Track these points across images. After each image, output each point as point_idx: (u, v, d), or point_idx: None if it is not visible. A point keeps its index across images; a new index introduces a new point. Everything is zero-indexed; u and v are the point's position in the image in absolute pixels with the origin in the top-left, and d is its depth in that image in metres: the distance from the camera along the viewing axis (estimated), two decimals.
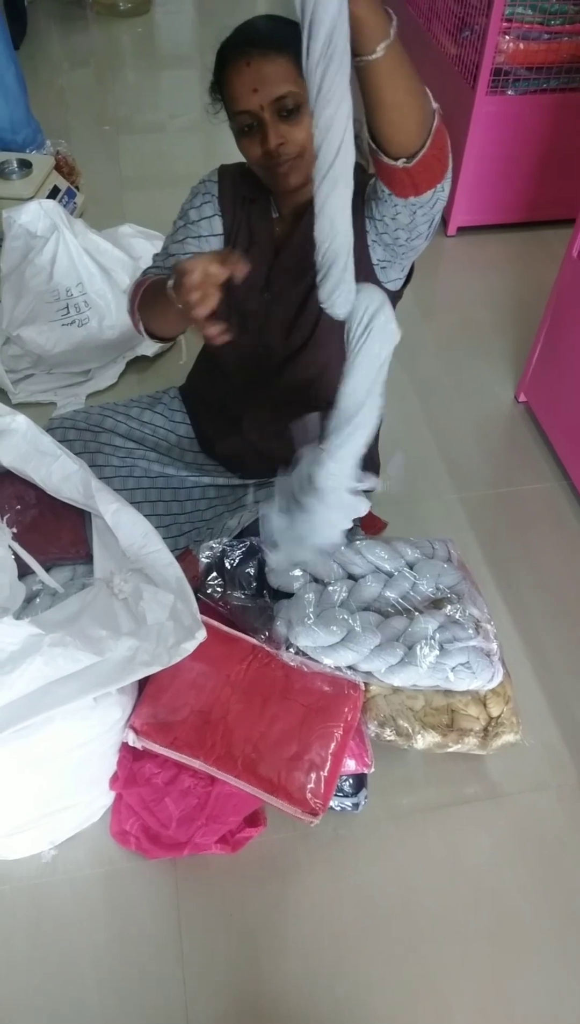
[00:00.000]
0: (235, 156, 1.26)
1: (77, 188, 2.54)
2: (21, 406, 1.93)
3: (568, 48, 2.20)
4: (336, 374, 1.47)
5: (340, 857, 1.25)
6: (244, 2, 4.23)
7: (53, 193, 2.34)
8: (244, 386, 1.48)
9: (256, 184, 1.30)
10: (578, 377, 1.76)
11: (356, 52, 0.92)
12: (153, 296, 1.27)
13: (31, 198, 2.16)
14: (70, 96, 3.33)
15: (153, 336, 1.37)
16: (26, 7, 3.63)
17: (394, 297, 1.37)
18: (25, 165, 2.32)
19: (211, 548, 1.34)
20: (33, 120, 2.58)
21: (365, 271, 1.29)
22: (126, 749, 1.21)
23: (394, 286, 1.36)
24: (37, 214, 1.90)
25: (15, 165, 2.31)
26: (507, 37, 2.15)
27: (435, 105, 1.05)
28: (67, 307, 1.90)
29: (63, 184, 2.42)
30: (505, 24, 2.12)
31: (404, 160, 1.05)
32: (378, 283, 1.31)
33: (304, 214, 1.32)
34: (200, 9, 4.13)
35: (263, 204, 1.36)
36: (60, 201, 2.33)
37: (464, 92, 2.29)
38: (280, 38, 1.15)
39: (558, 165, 2.41)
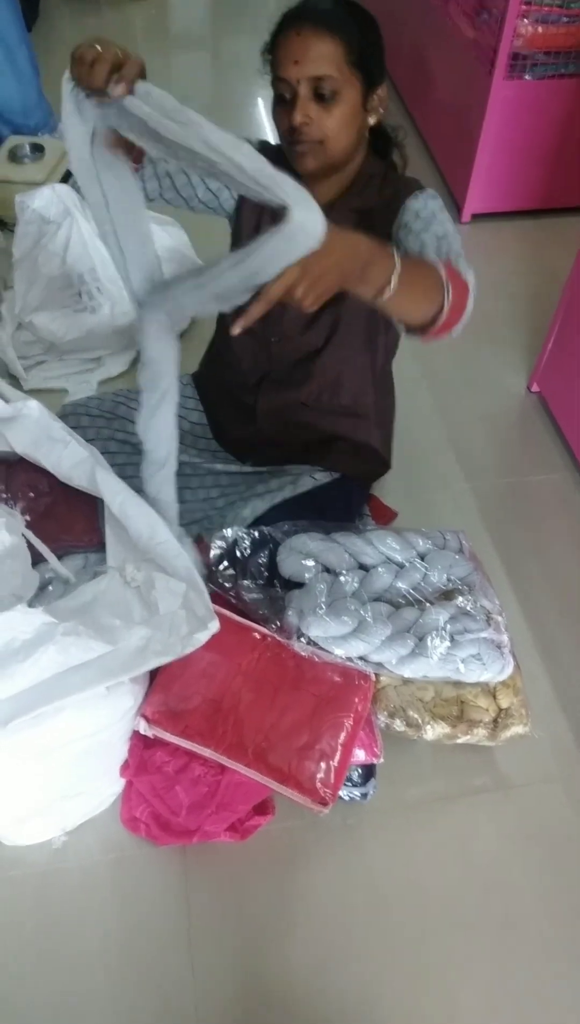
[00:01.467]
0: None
1: None
2: (33, 392, 1.92)
3: None
4: (353, 376, 1.47)
5: (348, 847, 1.26)
6: None
7: (66, 177, 2.32)
8: (257, 378, 1.48)
9: (285, 167, 1.28)
10: None
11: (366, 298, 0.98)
12: None
13: (44, 182, 2.15)
14: None
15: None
16: None
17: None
18: (38, 149, 2.31)
19: (223, 536, 1.34)
20: (45, 103, 2.56)
21: None
22: (137, 737, 1.22)
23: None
24: (50, 199, 1.89)
25: (28, 149, 2.30)
26: (526, 20, 2.11)
27: (443, 275, 1.06)
28: (80, 293, 1.90)
29: None
30: (524, 7, 2.08)
31: (420, 329, 1.10)
32: None
33: (327, 208, 1.31)
34: None
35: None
36: (73, 185, 2.32)
37: (481, 77, 2.26)
38: (338, 21, 1.16)
39: (575, 152, 2.38)
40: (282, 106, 1.20)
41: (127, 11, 3.85)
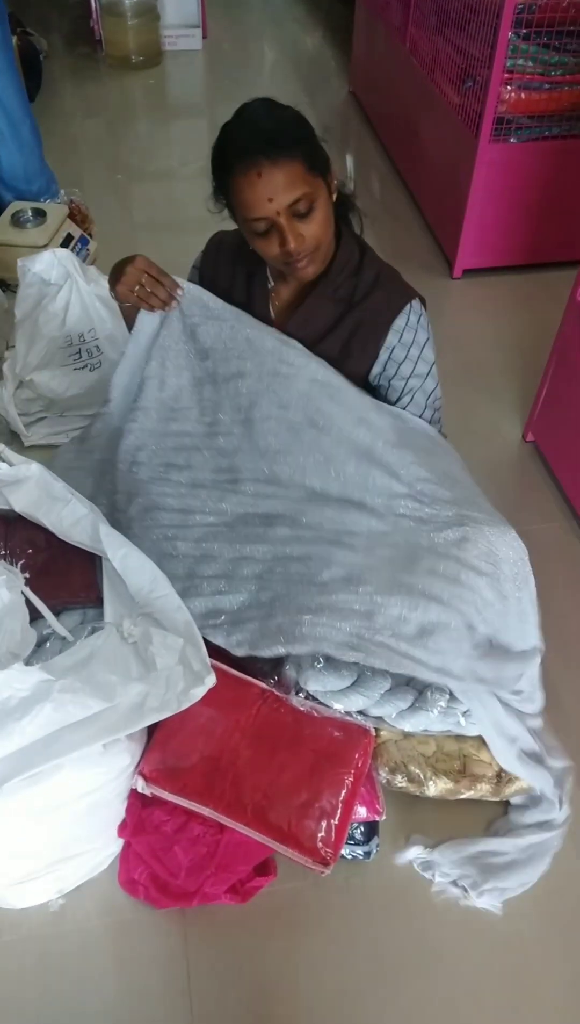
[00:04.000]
0: None
1: (90, 235, 2.60)
2: (33, 448, 1.96)
3: (568, 97, 2.25)
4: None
5: (352, 907, 1.23)
6: (253, 57, 4.36)
7: (67, 241, 2.39)
8: None
9: (251, 255, 1.33)
10: None
11: None
12: None
13: (45, 246, 2.21)
14: (83, 146, 3.42)
15: None
16: (42, 62, 3.75)
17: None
18: (40, 214, 2.38)
19: None
20: (47, 170, 2.65)
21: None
22: (135, 796, 1.21)
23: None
24: (51, 262, 1.94)
25: (30, 214, 2.36)
26: (509, 87, 2.20)
27: None
28: (79, 352, 1.94)
29: (76, 232, 2.48)
30: (507, 75, 2.17)
31: None
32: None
33: (304, 291, 1.37)
34: (210, 62, 4.25)
35: (261, 274, 1.40)
36: (73, 248, 2.39)
37: (467, 140, 2.34)
38: (288, 140, 1.16)
39: (561, 209, 2.45)
40: (263, 237, 1.23)
41: (127, 81, 4.00)
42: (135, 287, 1.33)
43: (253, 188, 1.17)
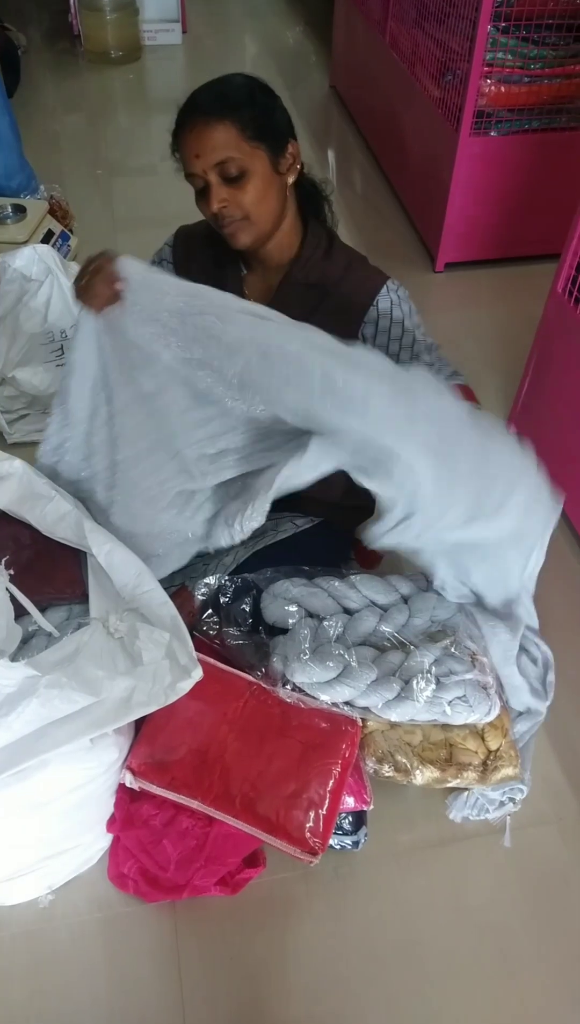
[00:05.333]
0: None
1: (71, 231, 2.58)
2: (16, 445, 1.95)
3: (548, 90, 2.26)
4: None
5: (341, 896, 1.24)
6: (234, 51, 4.35)
7: (47, 237, 2.38)
8: None
9: (221, 242, 1.33)
10: (566, 409, 1.78)
11: None
12: None
13: (25, 242, 2.20)
14: (64, 141, 3.39)
15: None
16: (20, 57, 3.72)
17: None
18: (20, 210, 2.36)
19: (207, 585, 1.35)
20: (27, 166, 2.63)
21: None
22: (123, 790, 1.21)
23: None
24: (31, 258, 1.93)
25: (10, 210, 2.35)
26: (488, 81, 2.21)
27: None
28: (61, 348, 1.93)
29: (57, 228, 2.46)
30: (486, 68, 2.18)
31: None
32: None
33: (277, 279, 1.37)
34: (189, 57, 4.23)
35: (233, 263, 1.40)
36: (54, 244, 2.37)
37: (448, 133, 2.34)
38: (223, 104, 1.20)
39: (541, 202, 2.46)
40: (200, 196, 1.26)
41: (106, 76, 3.98)
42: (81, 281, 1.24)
43: (187, 143, 1.22)
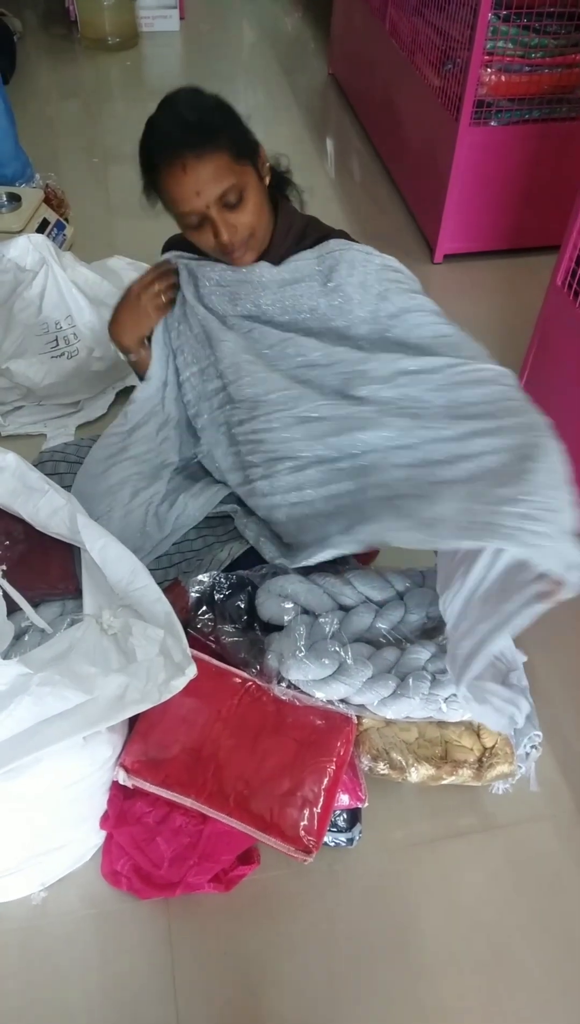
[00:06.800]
0: None
1: (66, 220, 2.56)
2: (11, 438, 1.93)
3: (548, 80, 2.24)
4: None
5: (335, 893, 1.24)
6: (232, 38, 4.30)
7: (42, 226, 2.35)
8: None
9: (201, 251, 1.31)
10: (565, 401, 1.76)
11: None
12: None
13: (20, 232, 2.18)
14: (59, 128, 3.36)
15: None
16: (16, 42, 3.68)
17: None
18: (14, 199, 2.33)
19: (201, 582, 1.34)
20: (22, 154, 2.60)
21: None
22: (116, 787, 1.20)
23: None
24: (26, 248, 1.91)
25: (4, 199, 2.32)
26: (489, 70, 2.18)
27: None
28: (56, 339, 1.91)
29: (52, 217, 2.44)
30: (487, 57, 2.15)
31: None
32: None
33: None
34: (187, 43, 4.19)
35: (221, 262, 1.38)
36: (49, 234, 2.35)
37: (448, 123, 2.32)
38: (205, 132, 1.14)
39: (541, 192, 2.44)
40: (197, 230, 1.22)
41: (103, 63, 3.94)
42: (146, 305, 1.36)
43: (180, 183, 1.15)
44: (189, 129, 1.14)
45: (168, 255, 1.39)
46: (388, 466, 1.21)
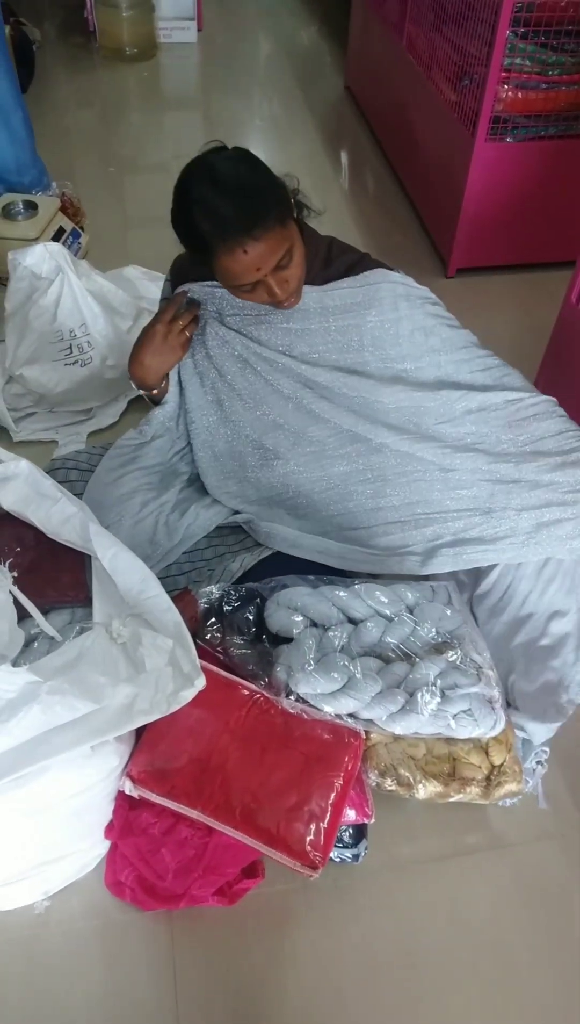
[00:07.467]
0: None
1: (82, 229, 2.57)
2: (23, 444, 1.94)
3: (565, 97, 2.24)
4: None
5: (340, 909, 1.23)
6: (248, 50, 4.33)
7: (58, 234, 2.37)
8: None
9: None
10: (578, 418, 1.76)
11: None
12: None
13: (36, 239, 2.19)
14: (76, 137, 3.38)
15: None
16: (34, 52, 3.71)
17: None
18: (31, 207, 2.35)
19: (210, 593, 1.33)
20: (39, 162, 2.62)
21: None
22: (122, 797, 1.20)
23: None
24: (42, 256, 1.91)
25: (21, 207, 2.34)
26: (506, 86, 2.19)
27: None
28: (70, 347, 1.92)
29: (68, 225, 2.45)
30: (504, 74, 2.16)
31: None
32: None
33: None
34: (204, 55, 4.21)
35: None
36: (65, 242, 2.36)
37: (464, 138, 2.33)
38: (258, 210, 1.13)
39: (556, 209, 2.44)
40: (251, 292, 1.24)
41: (121, 72, 3.97)
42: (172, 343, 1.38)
43: (239, 263, 1.16)
44: (244, 214, 1.13)
45: (185, 287, 1.39)
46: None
